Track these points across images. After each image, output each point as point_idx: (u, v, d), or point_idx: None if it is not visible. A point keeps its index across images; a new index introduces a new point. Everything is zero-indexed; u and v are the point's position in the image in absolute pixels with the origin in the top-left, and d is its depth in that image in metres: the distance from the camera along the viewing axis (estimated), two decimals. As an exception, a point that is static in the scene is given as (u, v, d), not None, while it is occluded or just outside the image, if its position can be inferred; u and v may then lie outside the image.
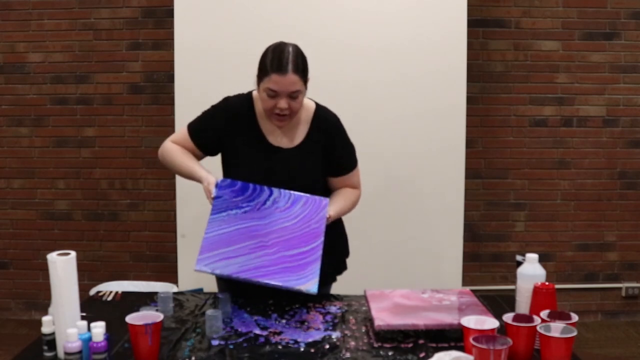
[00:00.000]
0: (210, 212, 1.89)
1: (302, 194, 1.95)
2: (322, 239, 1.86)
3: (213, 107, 2.08)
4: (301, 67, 1.92)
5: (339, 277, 2.23)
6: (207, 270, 1.79)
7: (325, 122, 2.06)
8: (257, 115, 2.04)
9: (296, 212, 1.91)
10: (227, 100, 2.08)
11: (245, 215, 1.89)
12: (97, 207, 3.81)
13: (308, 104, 2.06)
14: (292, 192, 1.94)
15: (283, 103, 1.90)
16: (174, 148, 2.07)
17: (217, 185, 1.92)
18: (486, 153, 3.77)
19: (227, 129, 2.03)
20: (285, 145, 2.04)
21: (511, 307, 1.79)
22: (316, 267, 1.80)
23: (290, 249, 1.83)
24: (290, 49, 1.92)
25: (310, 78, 1.97)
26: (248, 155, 2.02)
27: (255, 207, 1.90)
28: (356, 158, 2.14)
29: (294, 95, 1.91)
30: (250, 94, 2.08)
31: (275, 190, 1.94)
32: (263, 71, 1.91)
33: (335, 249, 2.12)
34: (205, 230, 1.85)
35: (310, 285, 1.76)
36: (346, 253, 2.24)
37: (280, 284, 1.76)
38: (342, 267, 2.21)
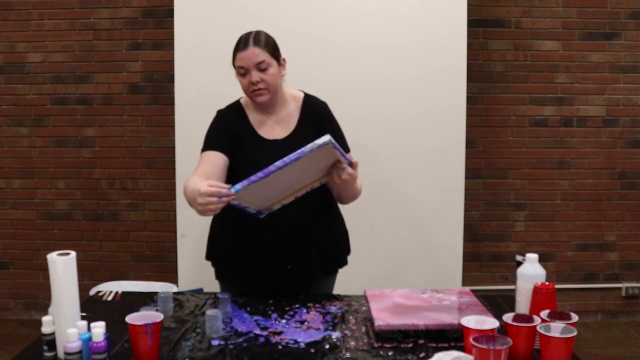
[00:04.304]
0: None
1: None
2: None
3: (212, 123, 2.10)
4: (263, 42, 1.99)
5: (339, 277, 2.24)
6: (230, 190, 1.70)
7: (314, 108, 2.12)
8: (249, 118, 2.10)
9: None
10: (220, 112, 2.13)
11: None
12: (97, 207, 3.81)
13: (297, 95, 2.14)
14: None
15: (253, 76, 1.97)
16: (189, 182, 1.90)
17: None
18: (486, 153, 3.77)
19: (232, 136, 2.06)
20: (279, 137, 2.07)
21: (511, 307, 1.79)
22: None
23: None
24: (254, 31, 2.02)
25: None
26: (247, 154, 2.05)
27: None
28: (347, 146, 2.14)
29: (262, 67, 1.97)
30: (238, 101, 2.15)
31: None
32: (233, 57, 2.02)
33: (337, 241, 2.20)
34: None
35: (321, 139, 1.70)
36: (347, 248, 2.26)
37: (294, 155, 1.69)
38: (342, 261, 2.23)
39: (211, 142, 2.05)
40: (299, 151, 1.70)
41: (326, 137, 1.72)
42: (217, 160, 2.01)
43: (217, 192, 1.71)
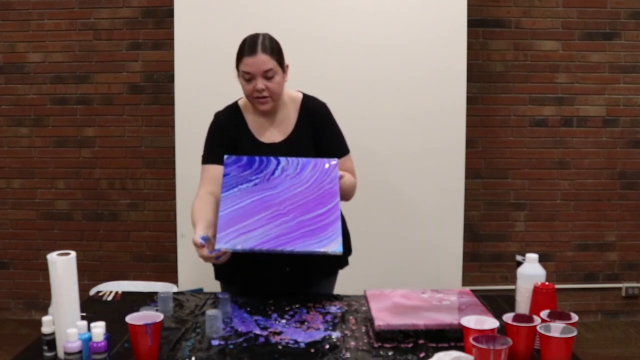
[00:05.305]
0: (221, 191, 1.89)
1: (309, 158, 1.95)
2: (337, 199, 1.87)
3: (209, 128, 2.11)
4: (270, 49, 1.97)
5: (339, 277, 2.24)
6: (228, 247, 1.77)
7: (312, 108, 2.11)
8: (247, 121, 2.09)
9: (306, 176, 1.91)
10: (217, 115, 2.13)
11: (256, 187, 1.89)
12: (97, 207, 3.81)
13: (296, 96, 2.12)
14: (299, 158, 1.94)
15: (259, 83, 1.95)
16: (194, 205, 1.97)
17: (223, 163, 1.92)
18: (486, 153, 3.77)
19: (230, 139, 2.07)
20: (277, 140, 2.07)
21: (511, 307, 1.79)
22: (337, 227, 1.80)
23: (307, 212, 1.83)
24: (261, 35, 2.00)
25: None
26: None
27: (264, 178, 1.91)
28: (347, 146, 2.15)
29: (269, 75, 1.96)
30: (236, 103, 2.14)
31: (282, 159, 1.94)
32: (238, 59, 2.00)
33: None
34: (219, 209, 1.85)
35: (334, 245, 1.77)
36: (349, 249, 2.25)
37: (303, 249, 1.76)
38: (343, 262, 2.22)
39: (211, 154, 2.06)
40: (303, 250, 1.77)
41: (338, 249, 1.78)
42: (219, 174, 2.00)
43: (211, 258, 1.80)
